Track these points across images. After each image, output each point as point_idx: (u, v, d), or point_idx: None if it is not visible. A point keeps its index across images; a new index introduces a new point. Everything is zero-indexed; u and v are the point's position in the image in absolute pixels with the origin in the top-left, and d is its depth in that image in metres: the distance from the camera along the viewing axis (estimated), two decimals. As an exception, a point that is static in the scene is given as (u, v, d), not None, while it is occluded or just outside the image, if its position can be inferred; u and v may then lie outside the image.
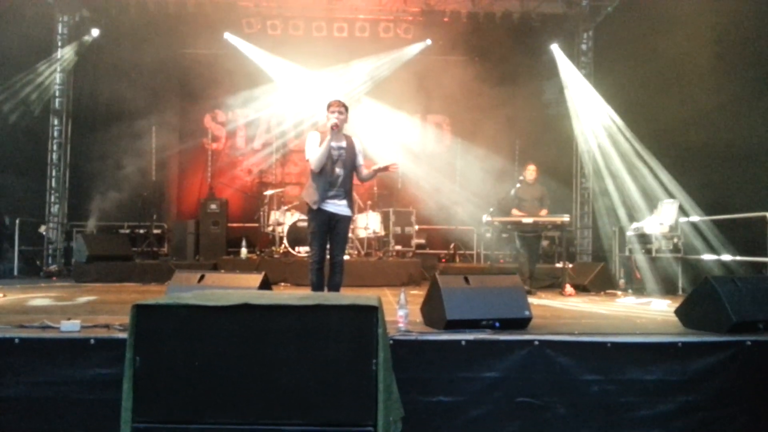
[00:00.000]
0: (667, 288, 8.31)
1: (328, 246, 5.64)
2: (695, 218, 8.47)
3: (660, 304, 7.00)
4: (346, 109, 5.58)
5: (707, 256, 8.11)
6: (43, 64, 11.45)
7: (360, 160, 5.71)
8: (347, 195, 5.61)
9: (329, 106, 5.54)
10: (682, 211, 8.52)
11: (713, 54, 8.27)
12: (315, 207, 5.52)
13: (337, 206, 5.55)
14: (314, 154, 5.50)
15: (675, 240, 8.37)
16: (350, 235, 10.83)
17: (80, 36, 12.08)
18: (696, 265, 8.26)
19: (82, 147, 12.31)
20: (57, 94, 12.27)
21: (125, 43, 11.94)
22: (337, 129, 5.48)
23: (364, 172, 5.73)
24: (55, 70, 11.94)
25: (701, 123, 8.55)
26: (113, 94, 11.68)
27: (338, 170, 5.53)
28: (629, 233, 9.14)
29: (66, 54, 12.03)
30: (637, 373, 3.98)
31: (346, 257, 10.10)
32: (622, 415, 3.93)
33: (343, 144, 5.60)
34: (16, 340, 3.81)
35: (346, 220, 5.65)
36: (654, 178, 9.34)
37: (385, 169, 5.59)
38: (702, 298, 4.68)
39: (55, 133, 12.33)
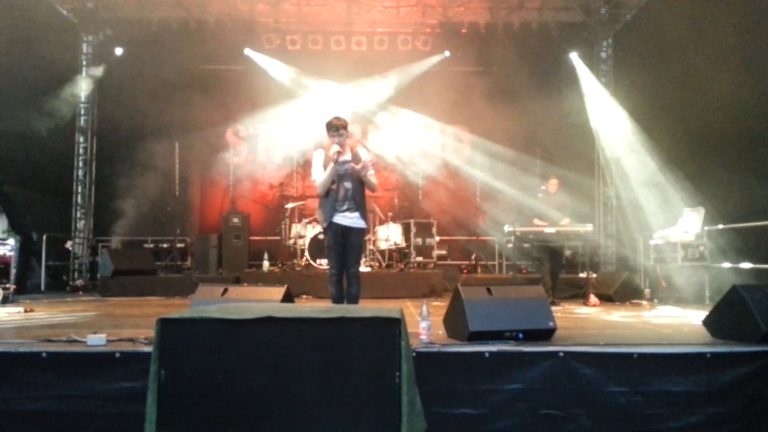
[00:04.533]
0: (694, 297, 8.18)
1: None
2: (721, 226, 8.33)
3: (686, 314, 6.89)
4: (345, 126, 5.52)
5: (734, 265, 7.96)
6: (68, 83, 11.67)
7: (369, 169, 5.63)
8: (359, 207, 5.56)
9: (328, 126, 5.50)
10: (708, 218, 8.39)
11: (736, 58, 8.17)
12: (325, 224, 5.56)
13: (349, 219, 5.52)
14: (319, 178, 5.53)
15: (701, 248, 8.24)
16: (371, 247, 10.86)
17: (104, 55, 12.32)
18: (723, 273, 8.12)
19: (106, 163, 12.51)
20: (82, 112, 12.50)
21: (148, 60, 12.14)
22: (339, 156, 5.44)
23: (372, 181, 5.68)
24: (81, 89, 12.16)
25: (724, 129, 8.43)
26: (137, 111, 11.86)
27: (346, 185, 5.51)
28: (654, 242, 9.02)
29: (90, 72, 12.26)
30: (664, 385, 3.91)
31: (367, 269, 10.22)
32: (649, 427, 3.86)
33: (348, 157, 5.56)
34: (44, 354, 3.87)
35: (360, 232, 5.62)
36: (678, 186, 9.21)
37: (362, 168, 5.51)
38: (730, 307, 4.60)
39: (81, 151, 12.55)
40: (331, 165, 5.46)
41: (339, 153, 5.44)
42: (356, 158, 5.59)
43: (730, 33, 8.29)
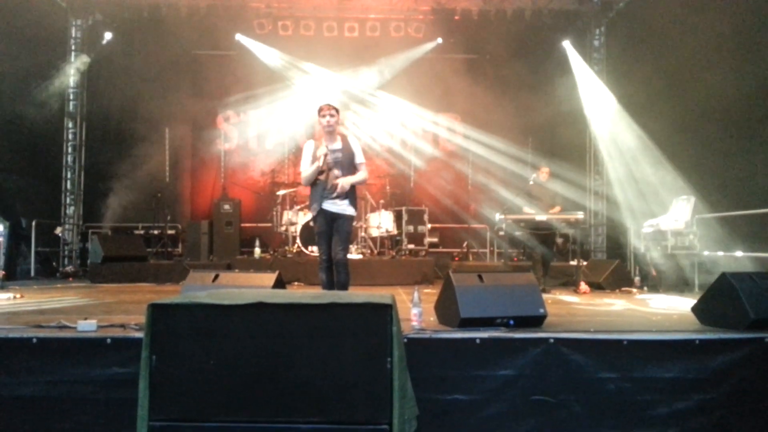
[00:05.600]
0: (683, 285, 8.23)
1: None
2: (711, 214, 8.38)
3: (676, 301, 6.95)
4: (337, 111, 5.63)
5: (723, 253, 8.02)
6: (57, 68, 11.54)
7: (358, 158, 5.70)
8: (348, 194, 5.62)
9: (319, 110, 5.60)
10: (698, 207, 8.44)
11: (729, 47, 8.18)
12: (314, 213, 5.63)
13: (338, 206, 5.59)
14: (305, 170, 5.62)
15: (690, 236, 8.29)
16: (363, 234, 10.86)
17: (94, 40, 12.19)
18: (712, 261, 8.18)
19: (96, 149, 12.43)
20: (71, 97, 12.38)
21: (138, 45, 12.04)
22: (326, 158, 5.51)
23: (360, 171, 5.72)
24: (70, 74, 12.04)
25: (716, 118, 8.47)
26: (127, 96, 11.78)
27: (336, 172, 5.57)
28: (644, 230, 9.07)
29: (80, 57, 12.14)
30: (653, 371, 3.94)
31: (358, 256, 10.21)
32: (639, 413, 3.89)
33: (339, 146, 5.64)
34: (34, 340, 3.85)
35: (348, 219, 5.67)
36: (669, 174, 9.25)
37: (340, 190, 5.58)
38: (719, 294, 4.63)
39: (70, 136, 12.45)
40: (316, 164, 5.50)
41: (325, 155, 5.48)
42: (346, 147, 5.65)
43: (723, 22, 8.30)
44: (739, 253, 7.78)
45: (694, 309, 4.93)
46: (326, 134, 5.61)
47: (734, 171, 8.11)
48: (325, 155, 5.48)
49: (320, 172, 5.57)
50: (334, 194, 5.53)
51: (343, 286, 5.59)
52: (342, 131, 5.80)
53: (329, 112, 5.54)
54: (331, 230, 5.60)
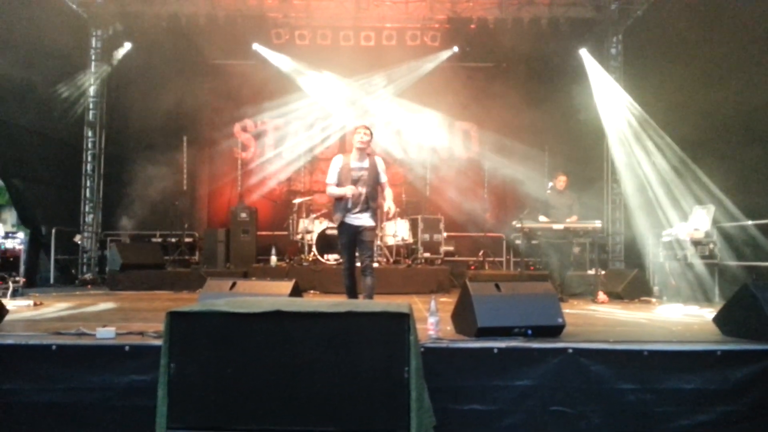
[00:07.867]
0: (703, 295, 8.13)
1: (357, 254, 6.08)
2: (732, 223, 8.26)
3: (696, 312, 6.85)
4: (371, 132, 6.05)
5: (744, 263, 7.91)
6: (77, 77, 11.69)
7: (382, 178, 6.11)
8: (371, 208, 6.01)
9: (355, 129, 6.05)
10: (718, 215, 8.33)
11: (748, 54, 8.10)
12: (337, 224, 6.03)
13: (360, 219, 5.96)
14: (332, 188, 6.02)
15: (710, 246, 8.19)
16: (379, 242, 10.85)
17: (114, 49, 12.34)
18: (732, 271, 8.06)
19: (115, 157, 12.55)
20: (91, 106, 12.50)
21: (157, 55, 12.15)
22: (359, 154, 5.98)
23: (386, 191, 6.14)
24: (90, 83, 12.19)
25: (735, 126, 8.37)
26: (145, 105, 11.88)
27: (360, 189, 5.92)
28: (663, 239, 8.97)
29: (100, 67, 12.30)
30: (674, 382, 3.89)
31: (374, 265, 10.17)
32: (660, 425, 3.84)
33: (366, 164, 6.00)
34: (53, 347, 3.89)
35: (369, 230, 6.05)
36: (688, 183, 9.15)
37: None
38: (741, 305, 4.56)
39: (90, 145, 12.58)
40: (345, 191, 5.84)
41: (355, 194, 5.87)
42: (373, 167, 6.02)
43: (741, 29, 8.22)
44: (760, 263, 7.67)
45: (716, 320, 4.86)
46: (358, 151, 5.99)
47: (756, 180, 7.99)
48: (355, 195, 5.86)
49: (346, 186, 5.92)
50: (358, 209, 5.89)
51: (370, 289, 5.94)
52: (370, 152, 6.14)
53: (364, 131, 5.96)
54: (353, 242, 5.97)
